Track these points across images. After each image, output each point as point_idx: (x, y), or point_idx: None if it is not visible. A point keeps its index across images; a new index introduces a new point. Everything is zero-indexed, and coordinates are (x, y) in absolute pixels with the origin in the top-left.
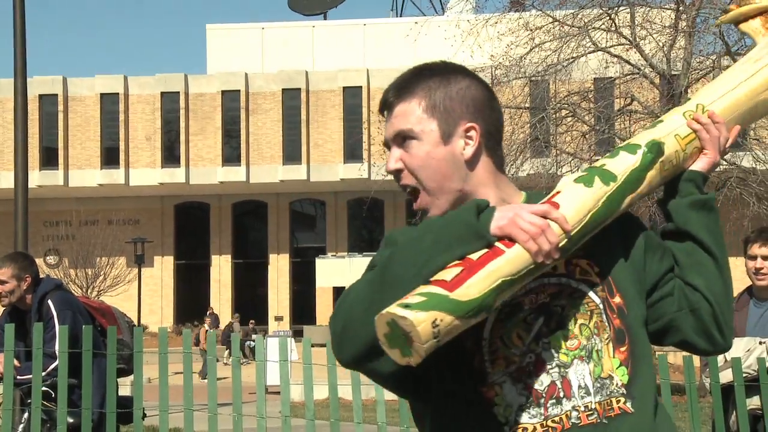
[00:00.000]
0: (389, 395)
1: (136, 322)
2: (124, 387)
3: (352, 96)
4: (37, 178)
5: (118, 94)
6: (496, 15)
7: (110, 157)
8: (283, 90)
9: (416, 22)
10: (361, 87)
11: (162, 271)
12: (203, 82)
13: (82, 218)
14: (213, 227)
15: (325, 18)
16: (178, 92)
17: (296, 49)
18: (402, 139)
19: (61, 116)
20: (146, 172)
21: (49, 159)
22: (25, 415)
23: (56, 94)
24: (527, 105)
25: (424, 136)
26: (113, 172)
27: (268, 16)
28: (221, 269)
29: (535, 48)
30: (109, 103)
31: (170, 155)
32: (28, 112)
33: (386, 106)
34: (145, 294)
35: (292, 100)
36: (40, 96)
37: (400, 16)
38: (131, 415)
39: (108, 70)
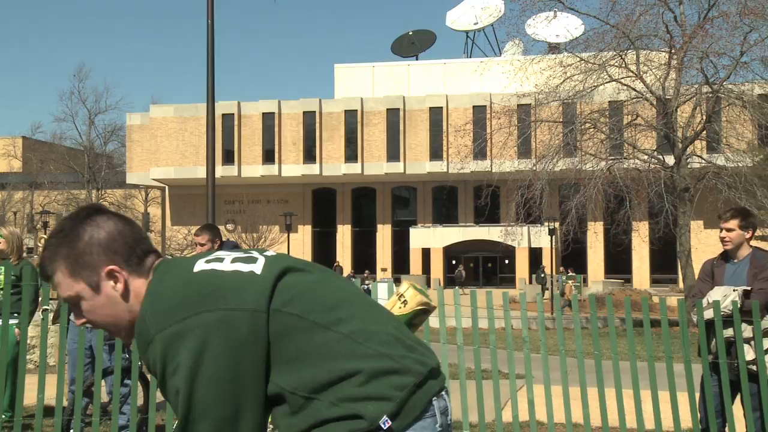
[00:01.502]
0: (466, 323)
1: None
2: None
3: (435, 114)
4: (220, 171)
5: (274, 113)
6: (539, 56)
7: (268, 156)
8: (387, 110)
9: (481, 61)
10: (441, 107)
11: (303, 235)
12: (332, 104)
13: (250, 199)
14: (338, 205)
15: (417, 58)
16: (315, 111)
17: (396, 81)
18: (73, 304)
19: (236, 129)
20: (292, 167)
21: (228, 158)
22: None
23: (233, 113)
24: (561, 120)
25: (83, 295)
26: (270, 167)
27: (377, 58)
28: (344, 235)
29: (566, 79)
30: (268, 119)
31: (309, 155)
32: (215, 127)
33: (45, 279)
34: (292, 252)
35: (393, 117)
36: (223, 115)
37: (470, 57)
38: None
39: (267, 96)
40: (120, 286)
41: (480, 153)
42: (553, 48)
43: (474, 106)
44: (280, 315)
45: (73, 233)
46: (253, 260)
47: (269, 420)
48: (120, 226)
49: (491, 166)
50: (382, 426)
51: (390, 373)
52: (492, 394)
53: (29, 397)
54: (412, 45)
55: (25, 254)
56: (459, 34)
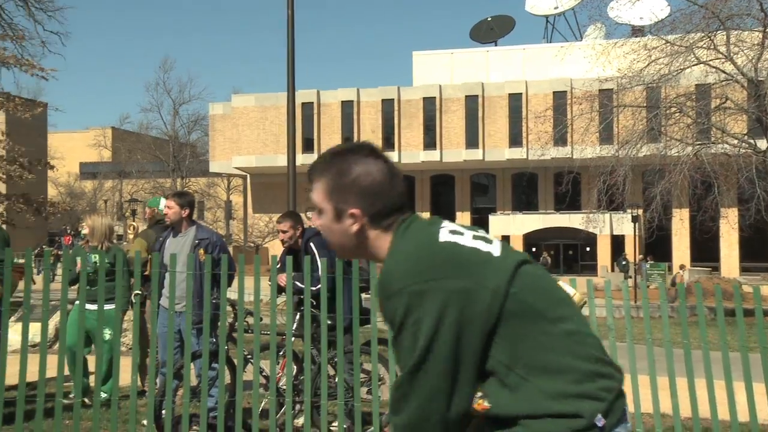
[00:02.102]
0: None
1: None
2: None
3: (515, 100)
4: (300, 159)
5: (352, 101)
6: (622, 39)
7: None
8: (465, 96)
9: (562, 46)
10: (521, 94)
11: None
12: (410, 92)
13: None
14: (417, 193)
15: (496, 44)
16: (393, 99)
17: (475, 68)
18: (315, 208)
19: (315, 117)
20: None
21: (308, 146)
22: (297, 316)
23: (312, 102)
24: (645, 104)
25: (326, 213)
26: None
27: (455, 45)
28: None
29: (651, 63)
30: (347, 107)
31: (387, 143)
32: (295, 116)
33: (309, 179)
34: None
35: (472, 104)
36: (302, 103)
37: (550, 42)
38: (368, 320)
39: (346, 84)
40: (355, 227)
41: (560, 139)
42: (637, 31)
43: (554, 92)
44: (515, 299)
45: (346, 166)
46: (490, 242)
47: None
48: (382, 177)
49: (572, 152)
50: (597, 423)
51: (601, 376)
52: None
53: (123, 378)
54: (491, 31)
55: (115, 241)
56: (539, 19)
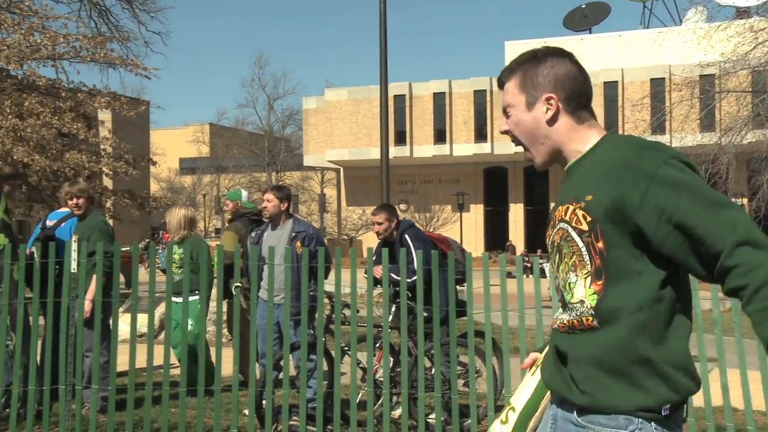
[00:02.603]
0: None
1: None
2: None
3: (610, 88)
4: (393, 152)
5: (444, 92)
6: (726, 22)
7: (439, 136)
8: None
9: (660, 32)
10: (617, 81)
11: (475, 215)
12: None
13: (422, 179)
14: (510, 184)
15: (590, 32)
16: (485, 90)
17: None
18: (505, 111)
19: (407, 110)
20: (463, 146)
21: (400, 138)
22: (392, 308)
23: (404, 95)
24: (750, 89)
25: (516, 106)
26: (442, 147)
27: (548, 33)
28: (516, 214)
29: (757, 46)
30: (439, 99)
31: (480, 134)
32: (388, 108)
33: (499, 86)
34: (465, 230)
35: None
36: (394, 96)
37: (647, 27)
38: (465, 312)
39: (437, 76)
40: (550, 114)
41: (659, 127)
42: (742, 12)
43: (651, 79)
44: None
45: (540, 59)
46: None
47: None
48: (577, 73)
49: (671, 140)
50: (663, 412)
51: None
52: None
53: (225, 369)
54: (585, 18)
55: (194, 232)
56: (635, 4)
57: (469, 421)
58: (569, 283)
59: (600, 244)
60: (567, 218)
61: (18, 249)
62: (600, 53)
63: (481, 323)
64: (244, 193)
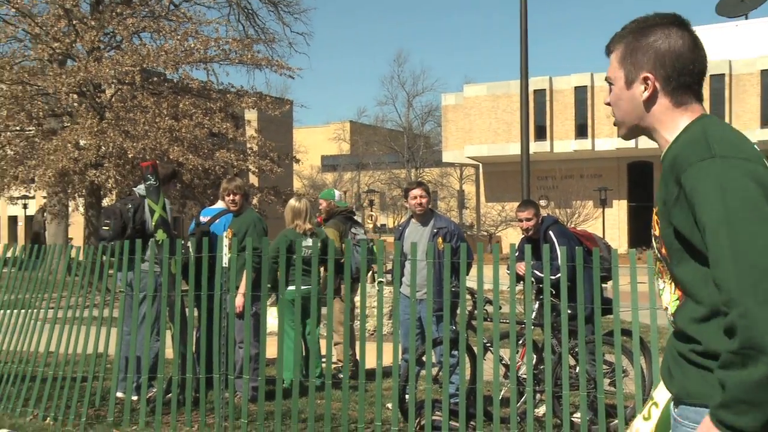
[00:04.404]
0: None
1: None
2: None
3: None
4: (533, 147)
5: (586, 86)
6: None
7: (581, 131)
8: (710, 76)
9: None
10: None
11: (618, 210)
12: None
13: (562, 174)
14: (655, 179)
15: (746, 18)
16: None
17: (720, 44)
18: (609, 85)
19: (548, 104)
20: (606, 140)
21: (540, 134)
22: (536, 305)
23: (544, 89)
24: None
25: (616, 82)
26: (583, 141)
27: (699, 21)
28: None
29: None
30: (580, 93)
31: None
32: (528, 103)
33: (606, 53)
34: (607, 228)
35: (717, 83)
36: (534, 91)
37: None
38: (611, 310)
39: (579, 69)
40: (647, 94)
41: None
42: None
43: None
44: None
45: (645, 30)
46: None
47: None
48: (682, 46)
49: None
50: None
51: None
52: None
53: (369, 362)
54: (741, 4)
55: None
56: None
57: (616, 421)
58: (659, 290)
59: (664, 251)
60: (653, 222)
61: (175, 244)
62: (757, 40)
63: (628, 321)
64: (337, 193)
